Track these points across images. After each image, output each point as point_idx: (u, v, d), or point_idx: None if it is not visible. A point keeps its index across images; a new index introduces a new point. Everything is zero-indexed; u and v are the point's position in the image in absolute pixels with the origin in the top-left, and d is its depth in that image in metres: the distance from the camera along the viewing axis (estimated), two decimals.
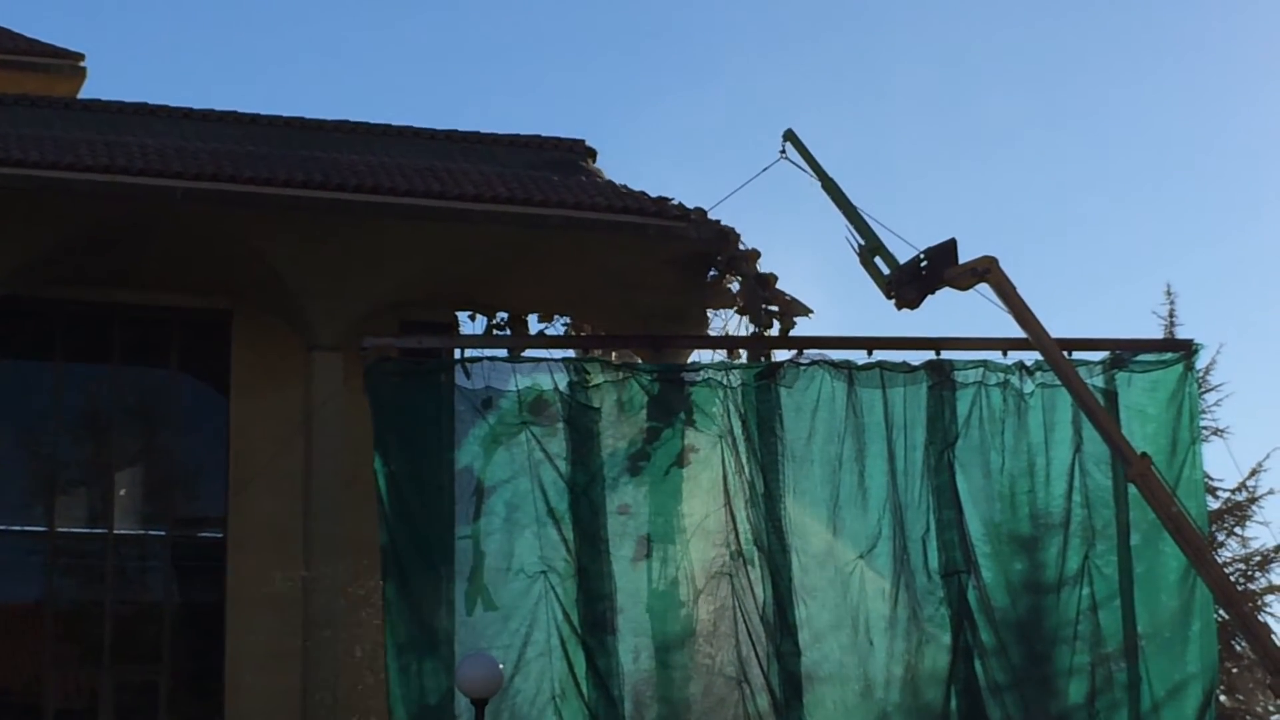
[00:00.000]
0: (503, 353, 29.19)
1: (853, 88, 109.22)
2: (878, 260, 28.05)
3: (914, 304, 27.95)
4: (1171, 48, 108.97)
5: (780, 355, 29.13)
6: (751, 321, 32.49)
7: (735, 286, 33.62)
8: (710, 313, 34.79)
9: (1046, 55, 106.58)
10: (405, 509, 27.48)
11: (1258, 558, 45.66)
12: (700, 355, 31.98)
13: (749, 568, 27.74)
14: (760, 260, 33.04)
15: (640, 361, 30.59)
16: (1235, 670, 40.12)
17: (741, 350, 30.98)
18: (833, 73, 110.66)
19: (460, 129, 36.59)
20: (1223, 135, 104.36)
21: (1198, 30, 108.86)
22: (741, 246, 33.08)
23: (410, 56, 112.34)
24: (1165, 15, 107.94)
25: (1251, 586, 44.05)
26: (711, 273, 33.88)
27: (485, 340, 34.55)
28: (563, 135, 37.21)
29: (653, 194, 34.16)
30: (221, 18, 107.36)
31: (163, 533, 34.72)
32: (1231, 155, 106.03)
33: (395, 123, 36.69)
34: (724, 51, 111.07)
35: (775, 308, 32.71)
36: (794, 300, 32.96)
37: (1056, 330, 27.56)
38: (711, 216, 32.69)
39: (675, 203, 33.47)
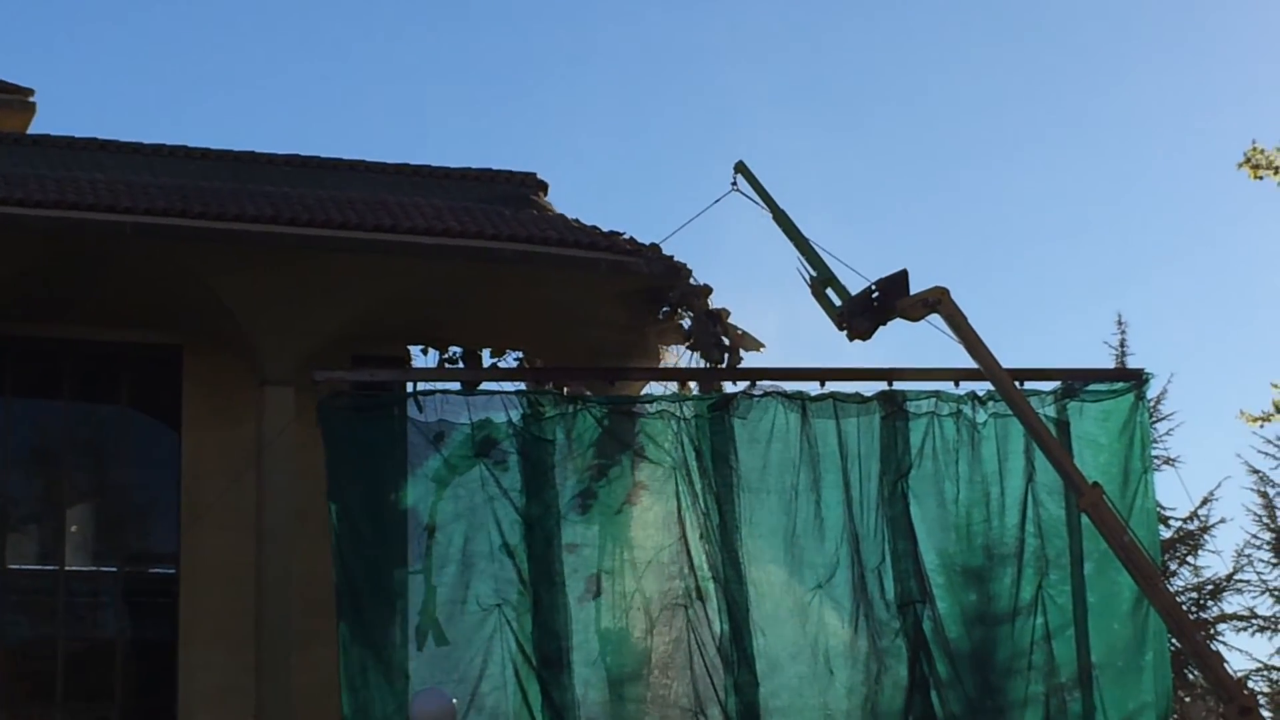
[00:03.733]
0: (455, 386, 29.18)
1: (806, 117, 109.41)
2: (829, 292, 28.04)
3: (866, 335, 27.91)
4: (1118, 80, 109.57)
5: (733, 387, 29.13)
6: (703, 356, 32.38)
7: (687, 322, 33.52)
8: (662, 348, 34.71)
9: (998, 87, 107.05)
10: (358, 543, 27.32)
11: (1210, 586, 45.92)
12: (653, 388, 31.93)
13: (705, 599, 27.59)
14: (712, 295, 32.95)
15: (592, 395, 30.53)
16: (1188, 699, 40.28)
17: (693, 383, 30.96)
18: (785, 103, 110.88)
19: (410, 163, 36.47)
20: (1172, 166, 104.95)
21: (1143, 64, 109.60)
22: (693, 281, 33.00)
23: (360, 89, 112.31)
24: (1115, 49, 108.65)
25: (1204, 615, 44.23)
26: (664, 309, 33.80)
27: (438, 373, 34.43)
28: (514, 169, 37.10)
29: (605, 227, 34.15)
30: (171, 50, 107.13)
31: (114, 569, 34.45)
32: (1181, 186, 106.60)
33: (345, 156, 36.53)
34: (674, 83, 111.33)
35: (727, 341, 32.61)
36: (746, 334, 32.87)
37: (1008, 360, 27.58)
38: (665, 249, 32.59)
39: (626, 237, 33.42)
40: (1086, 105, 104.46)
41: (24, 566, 34.16)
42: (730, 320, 32.78)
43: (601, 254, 33.28)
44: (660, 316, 33.87)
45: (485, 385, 29.47)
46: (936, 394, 28.60)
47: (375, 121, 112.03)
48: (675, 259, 32.92)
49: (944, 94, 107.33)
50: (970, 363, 27.38)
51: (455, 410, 27.97)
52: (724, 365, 31.81)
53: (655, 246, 32.70)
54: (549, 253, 33.52)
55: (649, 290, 33.38)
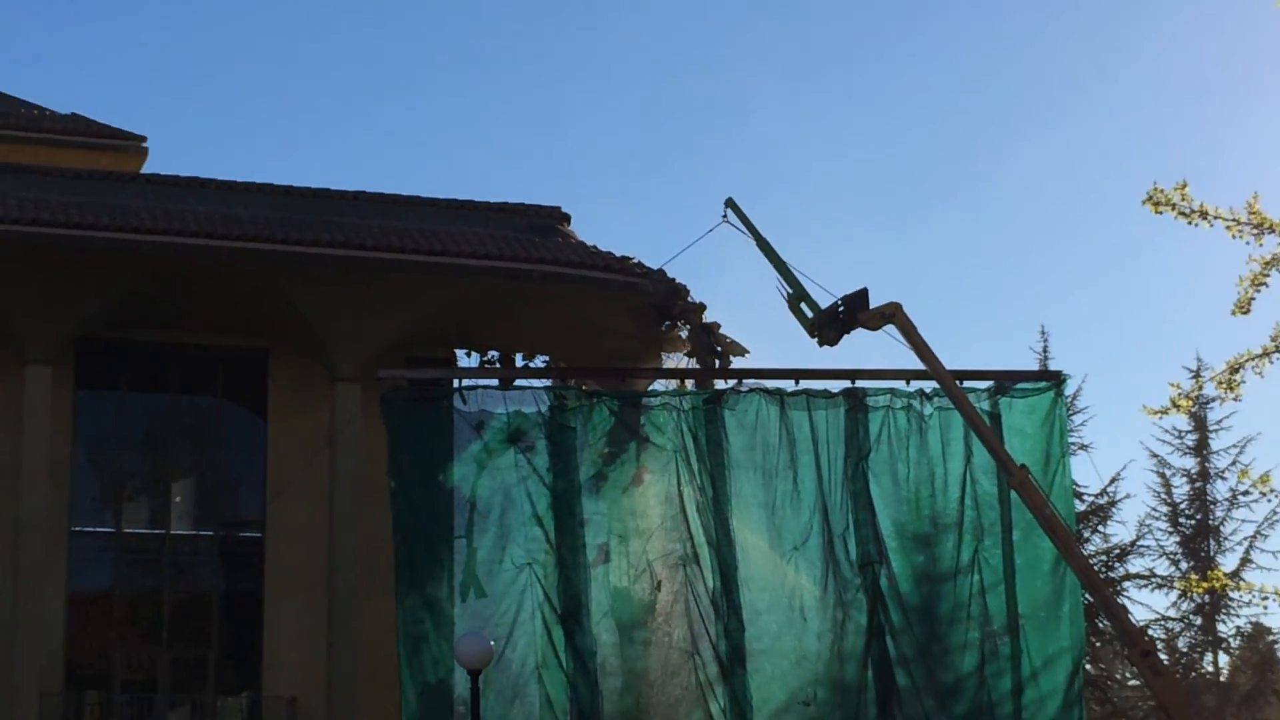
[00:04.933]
0: (494, 382, 29.14)
1: (800, 163, 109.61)
2: (803, 306, 27.93)
3: (833, 342, 27.82)
4: (1046, 132, 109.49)
5: (723, 384, 29.12)
6: (698, 362, 32.35)
7: (684, 333, 33.51)
8: (664, 354, 34.73)
9: (950, 141, 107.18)
10: (413, 513, 27.32)
11: (1116, 550, 45.80)
12: (657, 386, 31.88)
13: (700, 560, 27.55)
14: (706, 311, 32.93)
15: (606, 391, 30.51)
16: (1099, 644, 40.19)
17: (690, 381, 30.94)
18: (783, 148, 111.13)
19: (456, 198, 36.46)
20: (1088, 204, 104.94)
21: (1066, 117, 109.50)
22: (691, 299, 32.99)
23: (413, 137, 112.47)
24: (1037, 107, 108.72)
25: (1111, 574, 44.12)
26: (666, 323, 33.78)
27: (479, 372, 34.33)
28: (542, 203, 37.10)
29: (621, 249, 34.28)
30: (259, 103, 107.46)
31: (211, 533, 34.52)
32: (1095, 220, 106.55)
33: (402, 192, 36.48)
34: (678, 130, 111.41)
35: (719, 348, 32.62)
36: (733, 341, 32.85)
37: (950, 363, 27.50)
38: (669, 269, 32.55)
39: (635, 261, 33.41)
40: (1020, 150, 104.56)
41: (137, 530, 34.22)
42: (720, 331, 32.79)
43: (615, 275, 33.30)
44: (663, 328, 33.86)
45: (518, 382, 29.45)
46: (891, 391, 28.50)
47: (426, 162, 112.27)
48: (676, 281, 32.88)
49: (907, 145, 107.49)
50: (919, 365, 27.32)
51: (493, 403, 27.92)
52: (716, 367, 31.81)
53: (661, 271, 32.62)
54: (571, 274, 33.58)
55: (654, 306, 33.37)
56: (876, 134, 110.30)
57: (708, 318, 32.89)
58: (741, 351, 32.88)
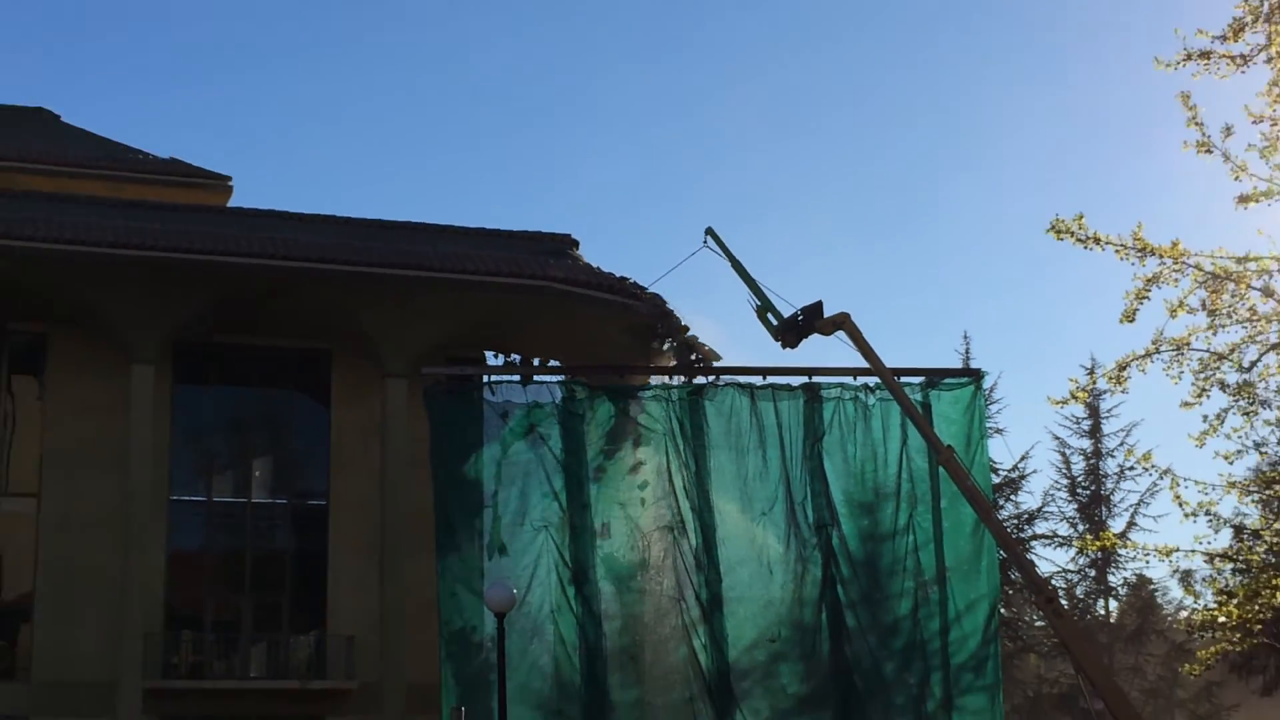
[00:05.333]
0: (516, 378, 29.12)
1: (756, 200, 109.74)
2: (769, 315, 27.90)
3: (794, 345, 27.74)
4: (965, 170, 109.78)
5: (704, 380, 29.13)
6: (681, 371, 32.33)
7: (668, 346, 33.53)
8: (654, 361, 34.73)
9: (896, 176, 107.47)
10: (451, 486, 27.18)
11: (1025, 515, 45.84)
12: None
13: (685, 524, 27.43)
14: (688, 331, 33.01)
15: (609, 386, 30.48)
16: (1011, 592, 40.18)
17: (677, 378, 30.93)
18: (740, 188, 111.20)
19: (485, 226, 36.53)
20: (1002, 229, 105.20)
21: (981, 158, 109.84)
22: (676, 319, 33.03)
23: (449, 173, 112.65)
24: (972, 129, 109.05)
25: (1021, 535, 44.17)
26: (655, 341, 33.77)
27: (504, 369, 34.34)
28: (556, 230, 37.20)
29: (619, 273, 34.31)
30: (321, 152, 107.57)
31: (284, 501, 34.63)
32: (1007, 244, 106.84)
33: (440, 221, 36.67)
34: (676, 167, 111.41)
35: (697, 356, 32.63)
36: (710, 350, 32.90)
37: (890, 362, 27.38)
38: (660, 285, 32.83)
39: (632, 281, 33.42)
40: (948, 186, 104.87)
41: (223, 499, 34.35)
42: (699, 342, 32.84)
43: (614, 296, 33.38)
44: (654, 344, 33.88)
45: (536, 378, 29.43)
46: (841, 385, 28.39)
47: (461, 195, 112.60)
48: (665, 304, 32.95)
49: (858, 180, 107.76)
50: (864, 364, 27.34)
51: (516, 395, 27.72)
52: (678, 341, 31.66)
53: (654, 294, 32.65)
54: (579, 292, 33.67)
55: (647, 325, 33.42)
56: (833, 172, 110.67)
57: (691, 324, 32.97)
58: (715, 358, 32.90)
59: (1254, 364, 16.83)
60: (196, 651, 32.38)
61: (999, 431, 45.22)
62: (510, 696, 24.76)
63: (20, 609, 31.90)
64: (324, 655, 32.60)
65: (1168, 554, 21.96)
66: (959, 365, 44.38)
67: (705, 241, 29.26)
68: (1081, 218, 18.37)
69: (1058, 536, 46.74)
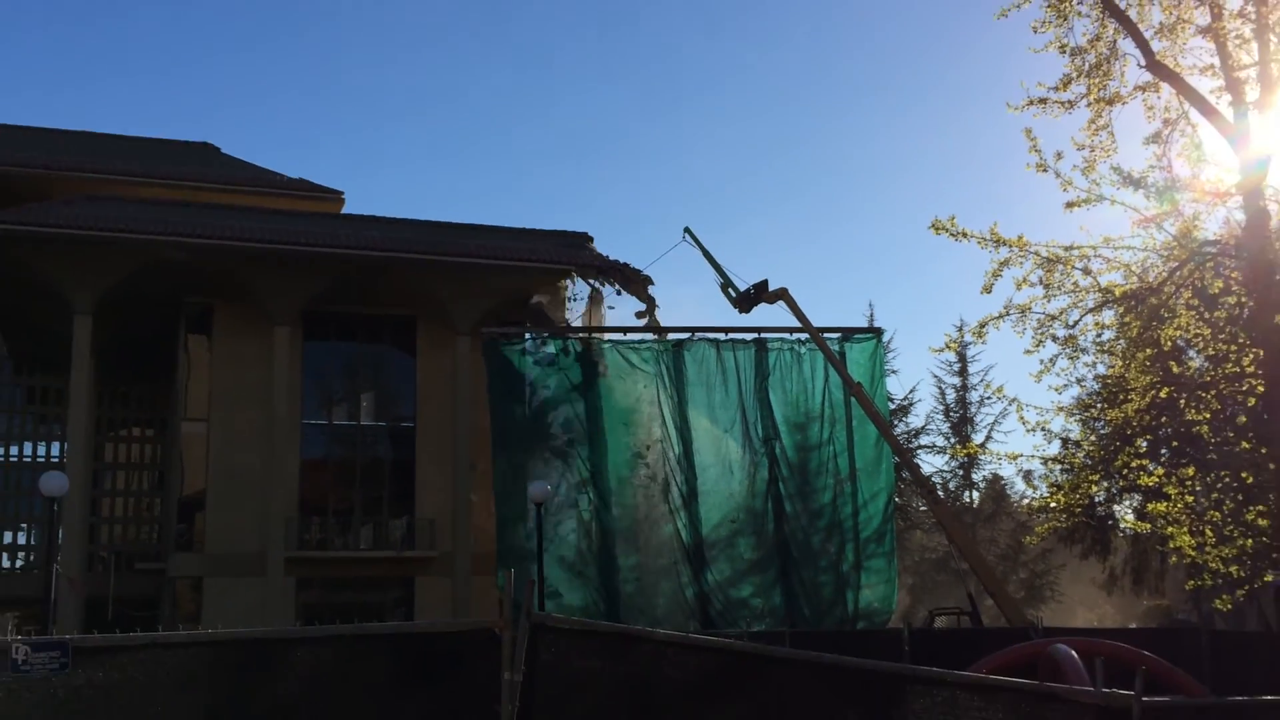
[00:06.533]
0: (548, 335, 29.13)
1: (723, 200, 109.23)
2: (730, 289, 28.02)
3: (747, 311, 27.86)
4: (896, 179, 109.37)
5: (683, 336, 29.15)
6: (662, 330, 31.44)
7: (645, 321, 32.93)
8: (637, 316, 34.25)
9: (835, 182, 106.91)
10: (503, 410, 27.39)
11: (913, 431, 45.91)
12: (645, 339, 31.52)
13: (670, 439, 27.69)
14: (653, 284, 32.38)
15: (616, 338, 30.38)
16: (903, 486, 40.25)
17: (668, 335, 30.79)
18: (711, 190, 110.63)
19: (522, 225, 36.21)
20: (904, 223, 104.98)
21: (909, 172, 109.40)
22: (638, 272, 32.06)
23: (499, 180, 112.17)
24: (892, 147, 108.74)
25: (911, 445, 44.26)
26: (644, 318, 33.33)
27: (541, 327, 34.36)
28: (575, 229, 36.89)
29: (620, 260, 33.97)
30: (410, 171, 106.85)
31: (384, 424, 34.43)
32: (902, 235, 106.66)
33: (493, 223, 36.36)
34: (674, 178, 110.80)
35: (652, 319, 31.22)
36: (644, 276, 31.40)
37: (817, 322, 27.63)
38: (651, 269, 32.32)
39: (633, 268, 33.17)
40: (860, 191, 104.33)
41: (341, 422, 34.07)
42: (651, 293, 31.71)
43: (618, 282, 33.05)
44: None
45: (562, 335, 29.41)
46: (781, 339, 28.59)
47: (507, 199, 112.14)
48: (643, 272, 32.08)
49: (797, 183, 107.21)
50: (798, 324, 27.46)
51: (548, 347, 28.01)
52: (656, 325, 30.22)
53: (648, 276, 32.04)
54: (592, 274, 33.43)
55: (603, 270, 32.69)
56: (782, 177, 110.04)
57: (674, 295, 32.47)
58: (649, 281, 31.36)
59: (1076, 323, 16.89)
60: (322, 530, 32.50)
61: (894, 372, 45.57)
62: (546, 561, 25.08)
63: (197, 500, 32.05)
64: (413, 533, 32.74)
65: (1014, 458, 22.25)
66: (866, 325, 44.34)
67: (684, 237, 29.38)
68: (954, 218, 18.30)
69: (936, 447, 46.95)
